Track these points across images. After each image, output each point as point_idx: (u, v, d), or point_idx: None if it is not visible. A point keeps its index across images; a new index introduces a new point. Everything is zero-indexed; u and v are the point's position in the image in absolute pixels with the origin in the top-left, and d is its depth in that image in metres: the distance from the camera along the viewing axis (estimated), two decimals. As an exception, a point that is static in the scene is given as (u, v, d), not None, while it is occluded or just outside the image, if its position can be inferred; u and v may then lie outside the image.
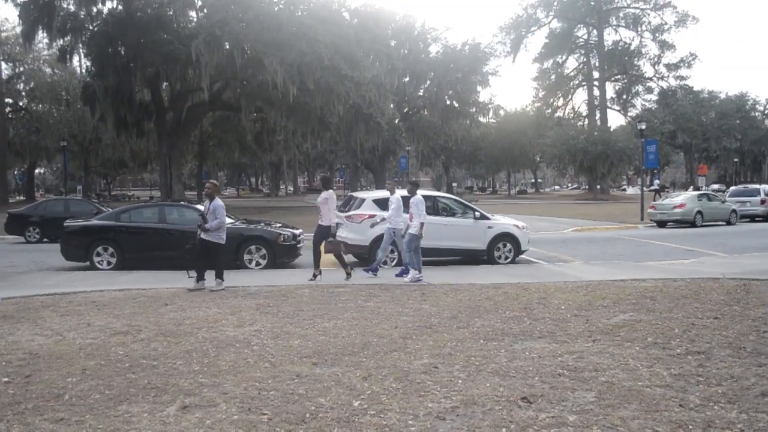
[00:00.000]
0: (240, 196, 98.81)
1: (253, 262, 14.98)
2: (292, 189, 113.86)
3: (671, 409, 5.22)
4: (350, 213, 15.72)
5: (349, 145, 53.08)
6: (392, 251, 15.01)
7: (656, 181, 58.64)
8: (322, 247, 13.15)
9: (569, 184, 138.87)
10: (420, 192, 13.74)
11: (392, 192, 14.24)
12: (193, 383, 5.94)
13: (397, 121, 59.48)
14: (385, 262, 14.65)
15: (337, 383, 5.90)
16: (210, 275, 11.89)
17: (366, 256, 15.43)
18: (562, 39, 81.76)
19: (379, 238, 15.14)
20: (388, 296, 10.68)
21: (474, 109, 67.63)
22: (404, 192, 14.25)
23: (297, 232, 15.95)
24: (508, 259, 16.13)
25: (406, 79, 62.11)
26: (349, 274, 13.13)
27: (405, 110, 66.64)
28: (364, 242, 15.28)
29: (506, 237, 16.25)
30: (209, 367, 6.49)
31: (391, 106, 56.77)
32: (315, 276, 13.01)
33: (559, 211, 42.23)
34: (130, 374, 6.26)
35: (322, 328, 8.24)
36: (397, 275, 13.56)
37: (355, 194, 18.05)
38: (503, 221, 16.96)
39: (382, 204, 15.66)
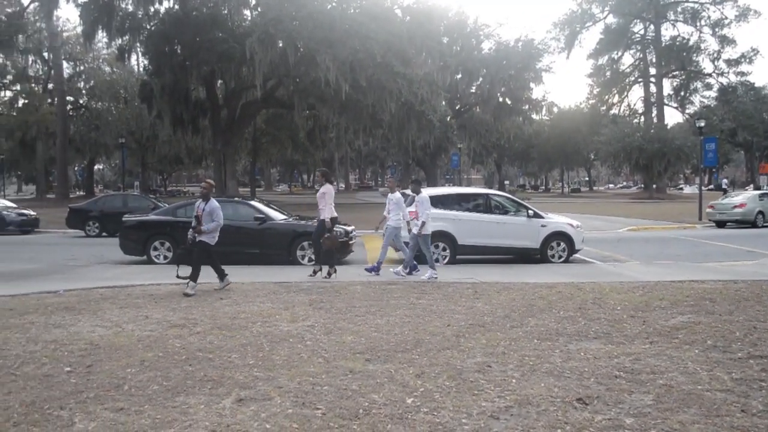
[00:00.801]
0: (292, 192, 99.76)
1: (305, 258, 15.10)
2: (343, 186, 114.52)
3: (733, 414, 5.08)
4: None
5: (400, 143, 53.08)
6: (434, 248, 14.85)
7: (725, 180, 56.94)
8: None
9: (624, 183, 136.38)
10: (472, 189, 13.66)
11: (392, 190, 14.19)
12: (248, 377, 6.02)
13: (449, 119, 59.32)
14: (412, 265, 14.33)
15: (390, 380, 5.91)
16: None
17: (418, 254, 15.38)
18: (617, 34, 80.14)
19: (432, 235, 15.10)
20: (440, 294, 10.65)
21: (527, 106, 67.07)
22: (406, 190, 14.17)
23: (349, 228, 16.02)
24: (562, 258, 15.93)
25: (459, 76, 61.88)
26: (330, 274, 12.88)
27: (457, 107, 66.41)
28: (416, 239, 15.24)
29: (560, 236, 16.05)
30: (264, 361, 6.57)
31: (443, 103, 56.62)
32: (315, 272, 12.97)
33: (614, 209, 41.51)
34: (187, 366, 6.38)
35: (374, 324, 8.27)
36: (407, 273, 13.43)
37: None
38: (557, 220, 16.75)
39: (435, 201, 15.62)
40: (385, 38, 37.47)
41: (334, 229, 15.40)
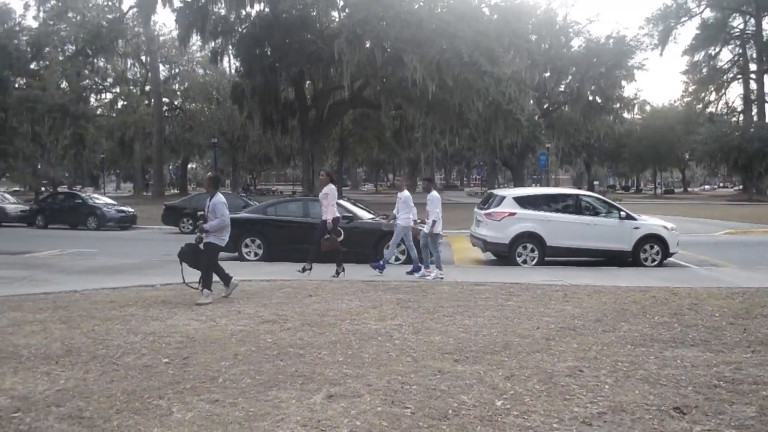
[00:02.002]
0: (378, 191, 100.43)
1: (393, 258, 15.13)
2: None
3: None
4: (490, 210, 15.55)
5: (487, 142, 52.63)
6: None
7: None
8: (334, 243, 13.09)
9: (721, 184, 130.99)
10: (561, 190, 13.36)
11: (401, 189, 13.95)
12: (338, 373, 6.08)
13: (537, 118, 58.45)
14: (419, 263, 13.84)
15: (480, 381, 5.86)
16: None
17: (505, 255, 15.24)
18: (715, 29, 76.96)
19: (519, 236, 14.94)
20: (529, 296, 10.49)
21: (618, 105, 65.35)
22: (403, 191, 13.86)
23: (436, 228, 15.96)
24: (656, 262, 15.42)
25: (547, 74, 60.88)
26: (338, 273, 12.78)
27: (545, 106, 65.36)
28: (503, 240, 15.08)
29: (654, 238, 15.53)
30: (353, 358, 6.63)
31: (531, 102, 55.88)
32: (338, 273, 12.84)
33: (711, 212, 39.91)
34: (279, 361, 6.50)
35: (462, 325, 8.22)
36: (408, 273, 13.27)
37: (494, 191, 17.86)
38: (650, 221, 16.23)
39: (523, 202, 15.45)
40: (472, 37, 37.25)
41: (420, 228, 15.45)
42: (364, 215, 16.27)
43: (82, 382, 5.83)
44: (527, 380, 5.91)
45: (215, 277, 10.28)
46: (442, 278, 12.53)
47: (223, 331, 7.83)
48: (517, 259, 15.00)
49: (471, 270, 14.58)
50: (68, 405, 5.24)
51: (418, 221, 13.85)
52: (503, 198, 15.78)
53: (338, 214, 13.24)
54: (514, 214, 15.19)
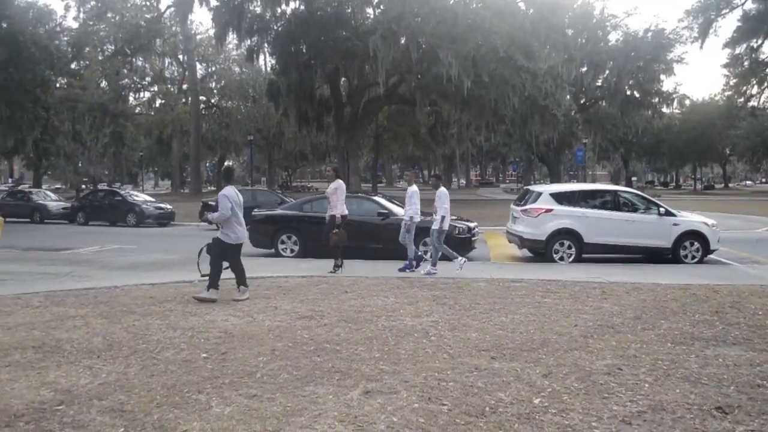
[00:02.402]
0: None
1: (428, 254, 15.09)
2: (464, 182, 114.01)
3: None
4: (526, 207, 15.43)
5: (523, 138, 52.26)
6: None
7: None
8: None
9: (763, 180, 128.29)
10: (599, 186, 13.18)
11: (410, 184, 13.88)
12: (374, 369, 6.10)
13: (573, 113, 57.82)
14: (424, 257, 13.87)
15: (517, 379, 5.82)
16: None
17: (542, 251, 15.12)
18: (757, 21, 75.00)
19: (556, 233, 14.81)
20: (567, 293, 10.39)
21: (656, 99, 64.39)
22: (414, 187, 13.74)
23: (472, 224, 15.91)
24: (696, 259, 15.15)
25: (584, 69, 60.19)
26: (337, 267, 12.83)
27: (582, 101, 64.64)
28: (540, 237, 14.97)
29: (694, 235, 15.26)
30: (389, 354, 6.63)
31: (568, 97, 55.29)
32: (336, 267, 12.88)
33: (752, 208, 39.10)
34: (316, 357, 6.54)
35: (499, 322, 8.18)
36: (400, 269, 13.13)
37: (531, 187, 17.72)
38: (690, 218, 15.95)
39: (560, 198, 15.31)
40: (508, 32, 36.99)
41: (456, 225, 15.41)
42: (400, 211, 16.25)
43: (123, 376, 5.93)
44: (565, 378, 5.86)
45: (222, 275, 9.97)
46: (434, 274, 12.49)
47: (261, 327, 7.90)
48: (554, 255, 14.87)
49: (507, 267, 14.48)
50: (110, 398, 5.33)
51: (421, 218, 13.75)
52: (540, 194, 15.65)
53: (346, 211, 13.27)
54: (551, 210, 15.06)
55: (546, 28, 41.33)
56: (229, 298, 9.85)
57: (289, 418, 4.89)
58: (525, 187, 20.49)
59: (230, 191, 9.84)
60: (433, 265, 12.80)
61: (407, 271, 13.00)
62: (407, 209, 13.38)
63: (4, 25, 31.80)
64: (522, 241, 15.47)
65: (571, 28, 57.52)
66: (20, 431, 4.71)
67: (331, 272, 12.70)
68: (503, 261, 15.93)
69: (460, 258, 12.90)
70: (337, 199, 13.12)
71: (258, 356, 6.57)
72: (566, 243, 14.90)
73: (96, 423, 4.82)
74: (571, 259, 14.81)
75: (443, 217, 12.68)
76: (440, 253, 12.98)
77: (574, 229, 14.91)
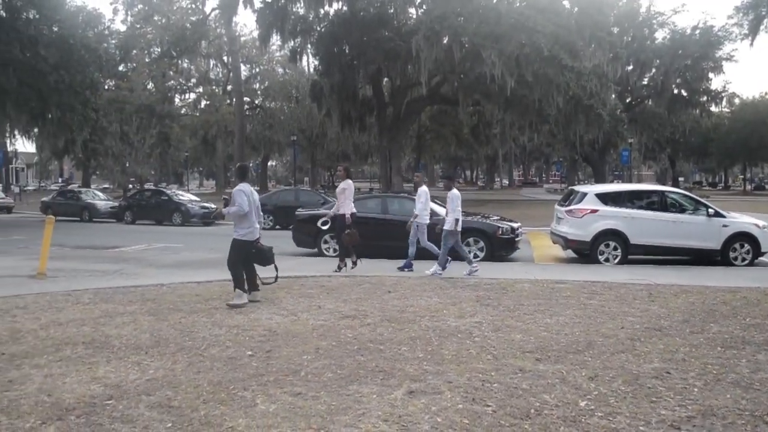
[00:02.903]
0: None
1: (471, 254, 15.01)
2: (507, 182, 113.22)
3: None
4: (571, 207, 15.25)
5: (567, 138, 51.63)
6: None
7: None
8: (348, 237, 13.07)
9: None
10: (646, 186, 12.93)
11: (420, 185, 13.73)
12: (418, 370, 6.08)
13: (619, 112, 56.91)
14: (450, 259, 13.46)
15: (562, 381, 5.76)
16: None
17: (587, 252, 14.92)
18: (811, 18, 73.18)
19: (601, 234, 14.61)
20: (613, 295, 10.23)
21: (705, 98, 63.10)
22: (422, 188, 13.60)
23: (515, 225, 15.79)
24: (746, 261, 14.79)
25: (630, 67, 59.25)
26: (339, 268, 12.90)
27: (628, 100, 63.63)
28: (585, 238, 14.77)
29: (744, 236, 14.89)
30: (433, 355, 6.61)
31: (613, 96, 54.43)
32: (340, 267, 12.93)
33: (805, 209, 38.03)
34: (359, 356, 6.55)
35: (543, 323, 8.09)
36: (399, 268, 13.10)
37: (576, 188, 17.50)
38: (740, 219, 15.56)
39: (606, 198, 15.10)
40: (552, 31, 36.58)
41: (500, 225, 15.32)
42: (443, 211, 16.18)
43: (170, 372, 6.03)
44: (612, 381, 5.77)
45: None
46: (440, 274, 12.49)
47: (305, 326, 7.95)
48: (599, 257, 14.67)
49: (551, 268, 14.34)
50: (157, 394, 5.42)
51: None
52: (585, 194, 15.45)
53: (354, 209, 13.26)
54: (596, 211, 14.85)
55: (591, 27, 40.76)
56: (272, 296, 9.94)
57: (333, 416, 4.91)
58: (570, 188, 20.23)
59: (246, 187, 9.63)
60: (440, 266, 12.78)
61: (405, 270, 13.02)
62: (420, 211, 13.31)
63: (56, 29, 32.54)
64: (566, 242, 15.30)
65: (617, 26, 56.69)
66: (72, 425, 4.81)
67: (335, 271, 12.83)
68: (547, 262, 15.78)
69: (474, 264, 12.76)
70: (345, 198, 13.11)
71: (302, 354, 6.61)
72: (612, 244, 14.68)
73: (144, 418, 4.91)
74: (616, 261, 14.59)
75: (456, 220, 12.58)
76: (446, 256, 12.89)
77: (619, 230, 14.68)
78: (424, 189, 13.47)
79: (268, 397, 5.34)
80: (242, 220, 9.53)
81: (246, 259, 9.66)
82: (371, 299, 9.77)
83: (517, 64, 36.68)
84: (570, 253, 16.10)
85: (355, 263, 13.23)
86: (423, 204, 13.21)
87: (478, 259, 14.86)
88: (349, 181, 13.35)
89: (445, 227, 12.69)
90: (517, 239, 15.54)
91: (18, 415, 5.00)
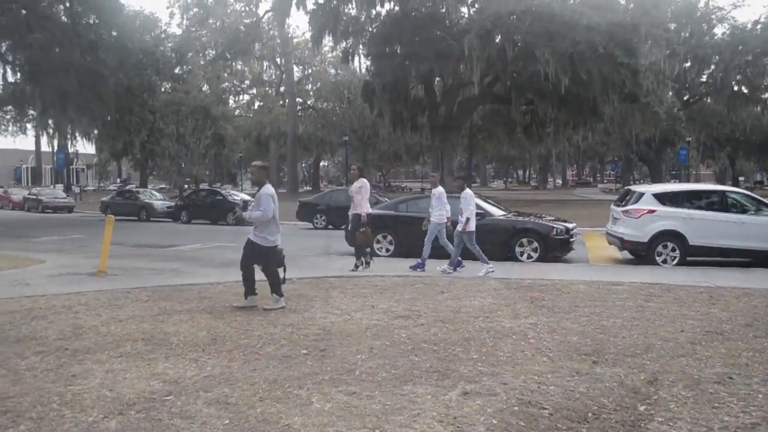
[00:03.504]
0: (507, 188, 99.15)
1: (524, 255, 14.90)
2: (560, 182, 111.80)
3: None
4: (627, 207, 14.97)
5: (622, 137, 50.83)
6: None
7: None
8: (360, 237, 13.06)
9: None
10: (705, 186, 12.59)
11: (435, 185, 13.65)
12: (472, 371, 6.04)
13: (676, 110, 55.75)
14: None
15: (620, 384, 5.65)
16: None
17: (644, 254, 14.62)
18: None
19: (659, 235, 14.30)
20: (671, 297, 10.00)
21: (767, 95, 61.18)
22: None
23: (570, 225, 15.56)
24: (812, 264, 14.29)
25: (687, 64, 57.94)
26: (359, 267, 12.88)
27: (685, 98, 62.26)
28: (642, 239, 14.46)
29: (810, 238, 14.38)
30: (487, 356, 6.56)
31: (670, 93, 53.30)
32: (357, 267, 12.91)
33: None
34: (413, 356, 6.54)
35: (600, 325, 7.95)
36: (411, 267, 13.00)
37: (632, 188, 17.17)
38: (807, 220, 15.02)
39: (663, 198, 14.78)
40: (607, 28, 36.04)
41: (555, 226, 15.13)
42: (496, 212, 16.09)
43: (227, 370, 6.12)
44: (672, 385, 5.64)
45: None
46: (449, 273, 12.55)
47: (358, 325, 7.97)
48: (657, 258, 14.34)
49: (607, 269, 14.09)
50: (215, 391, 5.50)
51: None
52: (642, 194, 15.13)
53: (370, 209, 13.25)
54: (653, 211, 14.54)
55: (647, 24, 40.01)
56: (326, 296, 9.99)
57: (388, 416, 4.91)
58: (626, 187, 19.85)
59: (272, 190, 9.14)
60: (451, 265, 12.80)
61: (418, 270, 12.94)
62: (434, 212, 13.24)
63: (114, 34, 33.42)
64: (623, 243, 15.02)
65: (674, 21, 55.52)
66: (132, 419, 4.92)
67: (352, 270, 12.85)
68: (603, 263, 15.51)
69: (489, 265, 12.61)
70: (361, 198, 13.09)
71: (356, 354, 6.64)
72: (670, 245, 14.35)
73: (202, 414, 4.99)
74: (674, 262, 14.25)
75: (468, 219, 12.53)
76: (455, 256, 12.95)
77: (678, 231, 14.33)
78: (440, 189, 13.49)
79: (323, 395, 5.37)
80: (269, 225, 9.05)
81: (254, 262, 9.33)
82: (424, 299, 9.74)
83: (571, 62, 36.24)
84: (626, 255, 15.80)
85: (368, 263, 13.27)
86: (437, 205, 13.19)
87: (532, 259, 14.71)
88: (364, 180, 13.35)
89: (458, 228, 12.73)
90: (571, 240, 15.32)
91: (81, 408, 5.13)
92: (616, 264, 15.34)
